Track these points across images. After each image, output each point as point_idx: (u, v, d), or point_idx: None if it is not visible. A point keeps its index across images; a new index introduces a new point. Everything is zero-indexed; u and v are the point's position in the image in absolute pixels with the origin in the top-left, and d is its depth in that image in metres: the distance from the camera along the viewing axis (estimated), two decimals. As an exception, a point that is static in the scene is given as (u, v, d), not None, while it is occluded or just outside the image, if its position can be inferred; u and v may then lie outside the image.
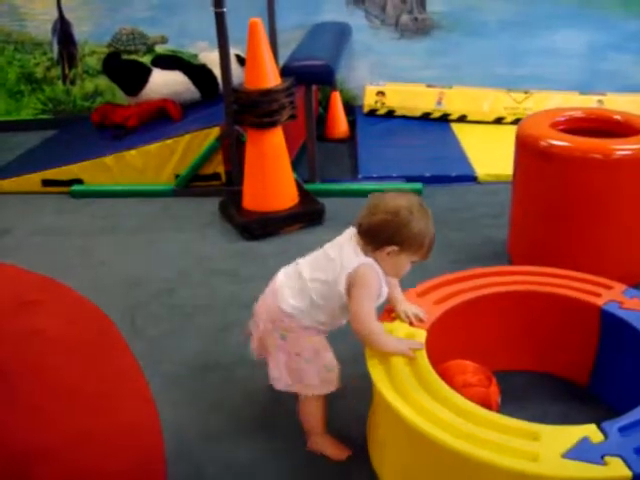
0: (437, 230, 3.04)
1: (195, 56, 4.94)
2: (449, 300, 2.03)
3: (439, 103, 4.82)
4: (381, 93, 4.90)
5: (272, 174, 3.33)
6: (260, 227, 3.29)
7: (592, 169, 2.49)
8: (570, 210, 2.57)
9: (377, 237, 1.74)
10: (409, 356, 1.76)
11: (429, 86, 4.93)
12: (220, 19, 3.39)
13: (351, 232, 1.82)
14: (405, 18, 5.05)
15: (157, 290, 2.93)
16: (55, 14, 5.17)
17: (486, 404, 1.76)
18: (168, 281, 3.00)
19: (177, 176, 3.92)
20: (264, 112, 3.18)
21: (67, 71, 5.35)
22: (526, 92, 4.79)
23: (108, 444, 1.32)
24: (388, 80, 5.04)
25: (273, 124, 3.23)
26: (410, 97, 4.88)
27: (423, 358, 1.76)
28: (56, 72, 5.36)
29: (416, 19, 5.04)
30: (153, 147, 3.91)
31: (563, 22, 4.98)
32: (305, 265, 1.88)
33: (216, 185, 3.89)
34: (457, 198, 3.67)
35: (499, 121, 4.76)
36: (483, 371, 1.90)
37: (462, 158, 4.11)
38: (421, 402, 1.62)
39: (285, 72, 3.48)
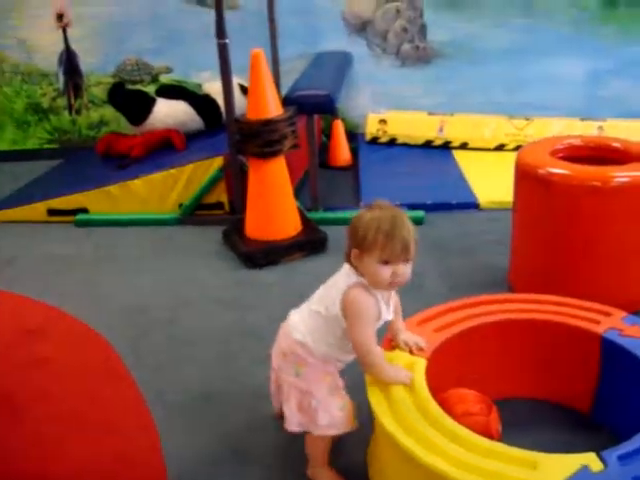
0: (438, 257, 3.04)
1: (199, 86, 4.99)
2: (449, 328, 2.04)
3: (440, 131, 4.86)
4: (383, 121, 4.94)
5: (275, 203, 3.36)
6: (263, 256, 3.31)
7: (591, 196, 2.50)
8: (569, 237, 2.58)
9: (347, 247, 1.76)
10: (407, 384, 1.78)
11: (430, 114, 4.97)
12: (223, 50, 3.43)
13: None
14: (406, 47, 5.11)
15: (160, 319, 2.94)
16: (61, 46, 5.24)
17: (487, 433, 1.76)
18: (171, 310, 3.02)
19: (180, 205, 3.95)
20: (266, 142, 3.22)
21: (73, 101, 5.42)
22: (527, 119, 4.83)
23: (111, 474, 1.32)
24: (390, 108, 5.10)
25: (275, 154, 3.26)
26: (412, 125, 4.92)
27: (423, 387, 1.77)
28: (62, 102, 5.43)
29: (417, 48, 5.10)
30: (157, 176, 3.94)
31: (563, 49, 5.04)
32: (312, 298, 1.92)
33: (219, 214, 3.92)
34: (458, 225, 3.68)
35: (501, 148, 4.79)
36: (483, 399, 1.90)
37: (464, 185, 4.13)
38: (421, 431, 1.62)
39: (287, 102, 3.52)
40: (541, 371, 2.16)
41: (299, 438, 1.99)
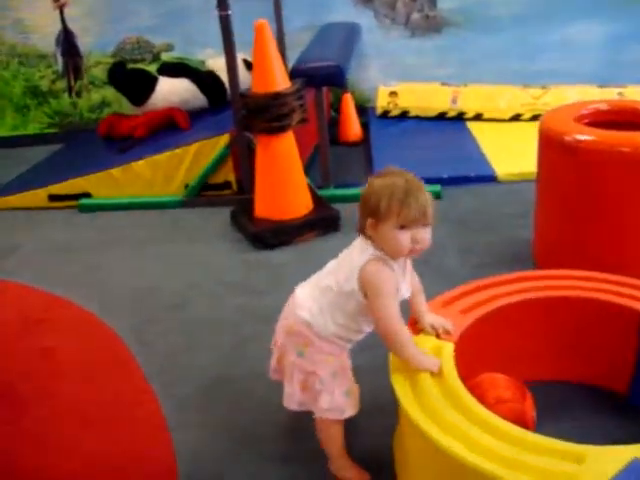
0: (458, 233, 2.89)
1: (202, 63, 4.83)
2: (477, 309, 1.90)
3: (454, 102, 4.69)
4: (394, 94, 4.77)
5: (284, 181, 3.21)
6: (273, 236, 3.16)
7: (620, 163, 2.35)
8: (598, 208, 2.43)
9: (360, 218, 1.65)
10: (434, 371, 1.64)
11: (443, 84, 4.80)
12: (225, 22, 3.28)
13: None
14: (416, 16, 4.93)
15: (167, 304, 2.82)
16: (59, 26, 5.08)
17: (522, 421, 1.62)
18: (178, 295, 2.89)
19: (187, 186, 3.81)
20: (273, 117, 3.06)
21: (73, 83, 5.27)
22: (543, 87, 4.65)
23: (120, 471, 1.26)
24: (400, 80, 4.91)
25: (283, 129, 3.11)
26: (424, 97, 4.74)
27: (452, 373, 1.62)
28: (61, 85, 5.28)
29: (427, 17, 4.91)
30: (161, 157, 3.80)
31: (578, 13, 4.84)
32: (321, 272, 1.80)
33: (227, 194, 3.78)
34: (478, 199, 3.53)
35: (517, 118, 4.61)
36: (517, 385, 1.76)
37: (480, 158, 3.97)
38: (451, 421, 1.48)
39: (294, 74, 3.36)
40: (576, 352, 2.01)
41: (310, 424, 1.86)
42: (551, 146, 2.52)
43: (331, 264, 1.79)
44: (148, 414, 1.48)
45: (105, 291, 2.97)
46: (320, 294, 1.74)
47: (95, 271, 3.19)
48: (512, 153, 3.99)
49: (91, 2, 5.05)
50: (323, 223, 3.26)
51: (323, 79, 3.43)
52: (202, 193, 3.81)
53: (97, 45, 5.17)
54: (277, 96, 3.05)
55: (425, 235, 1.60)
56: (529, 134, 4.29)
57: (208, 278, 3.01)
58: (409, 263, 1.74)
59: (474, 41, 4.93)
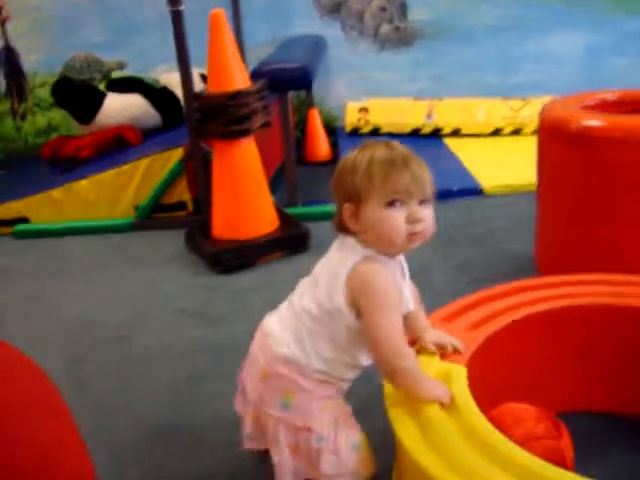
0: (447, 249, 2.54)
1: (156, 82, 4.44)
2: (488, 324, 1.50)
3: (429, 117, 4.35)
4: (364, 109, 4.43)
5: (245, 194, 2.81)
6: (233, 257, 2.75)
7: (637, 151, 2.00)
8: (613, 202, 2.08)
9: (336, 210, 1.27)
10: (445, 402, 1.23)
11: (417, 99, 4.46)
12: (177, 19, 2.89)
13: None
14: (385, 28, 4.60)
15: (109, 338, 2.39)
16: (0, 43, 4.68)
17: (560, 462, 1.22)
18: (123, 326, 2.46)
19: (136, 207, 3.39)
20: (232, 119, 2.67)
21: (16, 105, 4.84)
22: (523, 99, 4.34)
23: None
24: (370, 96, 4.57)
25: (243, 133, 2.72)
26: (396, 112, 4.40)
27: (469, 403, 1.22)
28: (4, 107, 4.85)
29: (397, 28, 4.59)
30: (106, 175, 3.40)
31: (556, 24, 4.56)
32: (293, 295, 1.38)
33: (182, 215, 3.37)
34: (463, 213, 3.17)
35: (497, 133, 4.30)
36: (548, 416, 1.36)
37: (463, 171, 3.64)
38: (477, 469, 1.08)
39: (255, 78, 2.98)
40: (611, 374, 1.62)
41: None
42: (555, 137, 2.17)
43: (305, 281, 1.37)
44: (75, 471, 1.12)
45: (38, 323, 2.56)
46: (296, 322, 1.32)
47: (29, 301, 2.77)
48: (496, 166, 3.69)
49: (35, 16, 4.66)
50: (290, 242, 2.86)
51: (288, 82, 3.06)
52: (154, 215, 3.40)
53: (43, 64, 4.77)
54: (236, 95, 2.67)
55: (425, 213, 1.20)
56: (512, 148, 4.04)
57: (158, 306, 2.59)
58: (405, 265, 1.34)
59: (448, 54, 4.62)
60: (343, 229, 1.26)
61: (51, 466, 1.10)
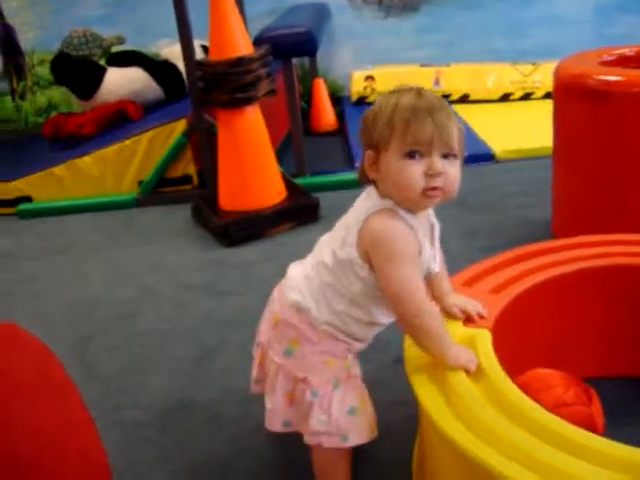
0: (459, 215, 2.47)
1: (157, 56, 4.35)
2: (512, 286, 1.43)
3: (437, 83, 4.26)
4: (370, 78, 4.34)
5: (252, 164, 2.73)
6: (241, 229, 2.68)
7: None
8: (634, 160, 2.00)
9: (362, 157, 1.19)
10: (471, 370, 1.16)
11: (424, 66, 4.37)
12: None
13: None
14: (390, -6, 4.50)
15: (116, 315, 2.33)
16: (-3, 21, 4.60)
17: (590, 429, 1.15)
18: (131, 303, 2.40)
19: (140, 183, 3.32)
20: (236, 86, 2.59)
21: (15, 84, 4.76)
22: (534, 64, 4.23)
23: None
24: (376, 65, 4.47)
25: (248, 100, 2.63)
26: (403, 79, 4.10)
27: (496, 369, 1.15)
28: (2, 87, 4.77)
29: (402, -6, 4.48)
30: (110, 151, 3.33)
31: (564, -15, 4.46)
32: (317, 246, 1.33)
33: (187, 189, 3.30)
34: (476, 179, 3.08)
35: (506, 98, 4.21)
36: (577, 382, 1.30)
37: (473, 137, 3.54)
38: (508, 438, 1.01)
39: (258, 44, 2.89)
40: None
41: (304, 455, 1.38)
42: (572, 94, 2.08)
43: (326, 236, 1.31)
44: (83, 449, 1.12)
45: (44, 303, 2.49)
46: (314, 272, 1.27)
47: (33, 281, 2.70)
48: (506, 132, 3.62)
49: (30, -8, 4.57)
50: (300, 213, 2.79)
51: (292, 48, 2.96)
52: (158, 190, 3.33)
53: (41, 41, 4.70)
54: (239, 62, 2.58)
55: (449, 168, 1.11)
56: (523, 113, 3.95)
57: (166, 282, 2.52)
58: (437, 224, 1.26)
59: (455, 19, 4.53)
60: (364, 178, 1.19)
61: (60, 445, 1.07)
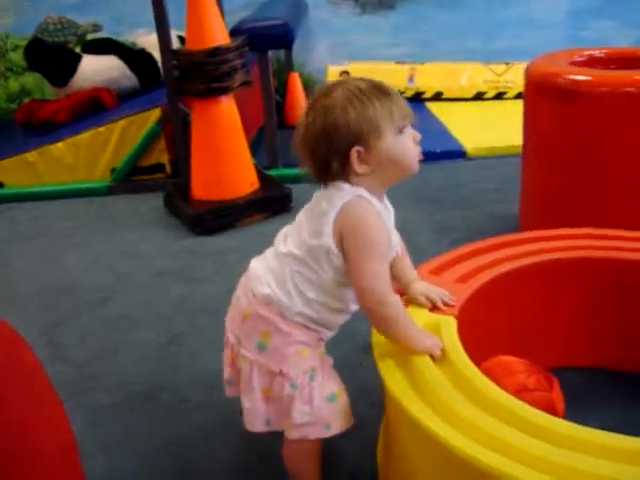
0: (431, 211, 2.50)
1: (133, 44, 4.33)
2: (478, 276, 1.47)
3: (411, 81, 4.30)
4: (345, 73, 4.34)
5: (226, 153, 2.75)
6: (214, 218, 2.70)
7: (625, 106, 1.99)
8: (600, 158, 2.04)
9: (323, 163, 1.17)
10: (436, 354, 1.19)
11: (399, 63, 4.40)
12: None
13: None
14: (367, -10, 4.52)
15: (87, 301, 2.33)
16: (-31, 5, 4.54)
17: (551, 414, 1.19)
18: (102, 289, 2.40)
19: (113, 170, 3.31)
20: (212, 76, 2.60)
21: (-12, 70, 4.71)
22: (507, 63, 4.29)
23: None
24: (351, 60, 4.50)
25: (224, 90, 2.65)
26: (378, 76, 4.06)
27: (460, 354, 1.19)
28: (-25, 71, 4.72)
29: (379, -9, 4.51)
30: (83, 137, 3.31)
31: (539, -13, 4.51)
32: (278, 238, 1.32)
33: (160, 178, 3.30)
34: (448, 175, 3.13)
35: (479, 97, 4.25)
36: (539, 369, 1.34)
37: (445, 134, 3.60)
38: (468, 418, 1.04)
39: (234, 36, 2.90)
40: (600, 328, 1.59)
41: (268, 443, 1.39)
42: (542, 92, 2.12)
43: (286, 229, 1.32)
44: (52, 431, 1.11)
45: (14, 289, 2.49)
46: (279, 264, 1.26)
47: (4, 266, 2.70)
48: (479, 129, 3.67)
49: (4, -24, 4.52)
50: (272, 203, 2.81)
51: (268, 39, 2.97)
52: (131, 178, 3.33)
53: (15, 26, 4.62)
54: (215, 52, 2.59)
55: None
56: (495, 112, 4.00)
57: (137, 269, 2.53)
58: (391, 209, 1.29)
59: (431, 18, 4.55)
60: (334, 177, 1.19)
61: (28, 427, 1.06)
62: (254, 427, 1.31)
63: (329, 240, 1.18)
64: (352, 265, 1.17)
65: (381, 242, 1.17)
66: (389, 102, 1.15)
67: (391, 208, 1.28)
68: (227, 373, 1.39)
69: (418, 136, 1.19)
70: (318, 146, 1.16)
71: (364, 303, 1.19)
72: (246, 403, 1.30)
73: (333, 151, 1.15)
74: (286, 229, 1.31)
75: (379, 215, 1.18)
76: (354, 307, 1.29)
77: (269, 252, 1.32)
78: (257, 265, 1.32)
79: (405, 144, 1.16)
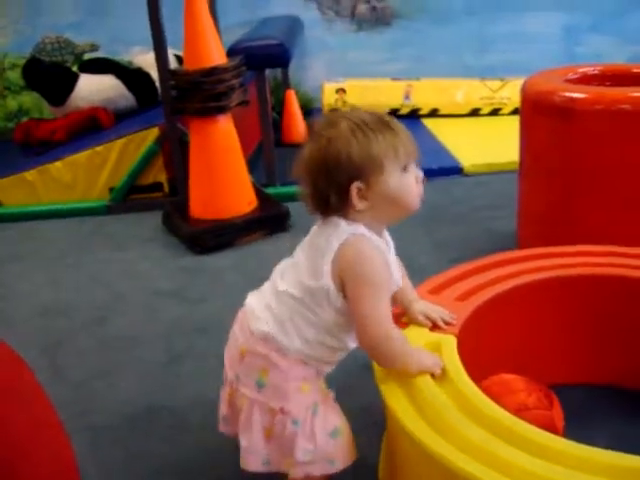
0: (429, 228, 2.48)
1: (130, 63, 4.35)
2: (478, 294, 1.47)
3: (407, 97, 4.32)
4: (341, 90, 4.37)
5: (223, 172, 2.75)
6: (212, 237, 2.70)
7: (621, 123, 1.99)
8: (597, 175, 2.05)
9: (323, 196, 1.15)
10: (436, 373, 1.20)
11: (394, 79, 4.42)
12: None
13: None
14: (362, 8, 4.56)
15: (85, 320, 2.33)
16: (-34, 25, 4.57)
17: (551, 432, 1.19)
18: (99, 308, 2.40)
19: (112, 189, 3.32)
20: (210, 95, 2.61)
21: (-15, 89, 4.73)
22: (502, 80, 4.31)
23: None
24: (347, 78, 4.52)
25: (221, 109, 2.66)
26: (374, 93, 4.35)
27: (460, 373, 1.19)
28: (-28, 91, 4.74)
29: (374, 8, 4.55)
30: (81, 156, 3.32)
31: (534, 3, 4.57)
32: (275, 273, 1.31)
33: (158, 196, 3.30)
34: (444, 192, 3.14)
35: (475, 113, 4.27)
36: (539, 387, 1.34)
37: (442, 151, 3.61)
38: (469, 437, 1.05)
39: (231, 55, 2.91)
40: (601, 345, 1.59)
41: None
42: (539, 110, 2.14)
43: (285, 262, 1.30)
44: (52, 452, 1.12)
45: (12, 310, 2.47)
46: (277, 301, 1.25)
47: (1, 286, 2.68)
48: (475, 146, 3.68)
49: (2, -5, 4.55)
50: (270, 222, 2.81)
51: (265, 59, 2.99)
52: (129, 197, 3.33)
53: (13, 46, 4.65)
54: (213, 72, 2.61)
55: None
56: (491, 128, 4.02)
57: (135, 289, 2.53)
58: (390, 241, 1.28)
59: (426, 34, 4.59)
60: (331, 211, 1.17)
61: (30, 449, 1.06)
62: (251, 467, 1.28)
63: (328, 281, 1.17)
64: (353, 305, 1.17)
65: (381, 279, 1.16)
66: (394, 138, 1.13)
67: (391, 242, 1.27)
68: (223, 410, 1.37)
69: (421, 175, 1.18)
70: (318, 177, 1.14)
71: (367, 339, 1.19)
72: (244, 442, 1.28)
73: (333, 184, 1.14)
74: (283, 264, 1.30)
75: (378, 250, 1.17)
76: (352, 345, 1.27)
77: (267, 287, 1.31)
78: (254, 301, 1.30)
79: (407, 183, 1.16)
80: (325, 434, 1.24)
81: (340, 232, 1.16)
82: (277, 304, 1.24)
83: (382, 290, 1.17)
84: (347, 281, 1.16)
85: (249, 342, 1.26)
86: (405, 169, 1.15)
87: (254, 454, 1.27)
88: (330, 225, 1.18)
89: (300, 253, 1.25)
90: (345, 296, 1.18)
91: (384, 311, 1.17)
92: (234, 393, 1.31)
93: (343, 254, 1.15)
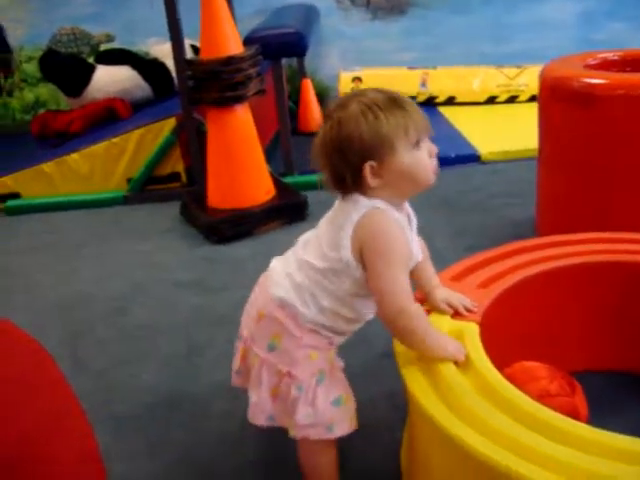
0: (446, 215, 2.48)
1: (146, 54, 4.36)
2: (499, 281, 1.46)
3: (423, 85, 4.30)
4: (357, 79, 4.37)
5: (241, 162, 2.75)
6: (231, 227, 2.70)
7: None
8: (616, 161, 2.04)
9: (339, 175, 1.17)
10: (459, 360, 1.19)
11: (410, 68, 4.41)
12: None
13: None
14: (377, -4, 4.53)
15: (105, 310, 2.34)
16: (-16, 17, 4.59)
17: (574, 419, 1.19)
18: (119, 298, 2.41)
19: (129, 180, 3.33)
20: (227, 85, 2.61)
21: (3, 81, 4.75)
22: (519, 67, 4.28)
23: None
24: (363, 66, 4.51)
25: (238, 99, 2.65)
26: (390, 81, 4.32)
27: (483, 360, 1.19)
28: (-10, 83, 4.77)
29: (390, -4, 4.52)
30: (98, 148, 3.33)
31: (551, -11, 4.51)
32: (298, 244, 1.33)
33: (176, 187, 3.31)
34: (462, 180, 3.13)
35: (492, 100, 4.25)
36: (561, 374, 1.33)
37: (460, 138, 3.60)
38: (492, 424, 1.04)
39: (247, 44, 2.91)
40: (624, 332, 1.58)
41: (291, 450, 1.40)
42: (557, 96, 2.12)
43: (308, 235, 1.32)
44: (76, 441, 1.12)
45: (33, 301, 2.49)
46: (298, 270, 1.27)
47: (21, 278, 2.70)
48: (492, 133, 3.66)
49: (18, -12, 4.56)
50: (288, 211, 2.81)
51: (282, 48, 2.98)
52: (147, 187, 3.34)
53: (29, 38, 4.68)
54: (230, 61, 2.60)
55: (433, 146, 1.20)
56: (508, 116, 4.00)
57: (154, 279, 2.54)
58: (413, 216, 1.29)
59: (442, 22, 4.56)
60: (349, 189, 1.19)
61: (53, 438, 1.07)
62: (257, 420, 1.33)
63: (347, 254, 1.18)
64: (372, 273, 1.18)
65: (400, 250, 1.18)
66: (405, 116, 1.14)
67: (414, 217, 1.28)
68: (237, 364, 1.41)
69: (434, 149, 1.19)
70: (333, 158, 1.17)
71: (385, 312, 1.19)
72: (253, 397, 1.33)
73: (347, 164, 1.16)
74: (308, 235, 1.32)
75: (397, 223, 1.18)
76: (368, 316, 1.30)
77: (290, 254, 1.33)
78: (277, 266, 1.33)
79: (419, 159, 1.16)
80: (327, 402, 1.27)
81: (359, 206, 1.18)
82: (298, 273, 1.27)
83: (399, 263, 1.17)
84: (366, 250, 1.18)
85: (268, 306, 1.29)
86: (417, 145, 1.16)
87: (261, 409, 1.32)
88: (350, 201, 1.20)
89: (323, 226, 1.28)
90: (364, 267, 1.19)
91: (400, 285, 1.17)
92: (248, 350, 1.35)
93: (362, 226, 1.17)
